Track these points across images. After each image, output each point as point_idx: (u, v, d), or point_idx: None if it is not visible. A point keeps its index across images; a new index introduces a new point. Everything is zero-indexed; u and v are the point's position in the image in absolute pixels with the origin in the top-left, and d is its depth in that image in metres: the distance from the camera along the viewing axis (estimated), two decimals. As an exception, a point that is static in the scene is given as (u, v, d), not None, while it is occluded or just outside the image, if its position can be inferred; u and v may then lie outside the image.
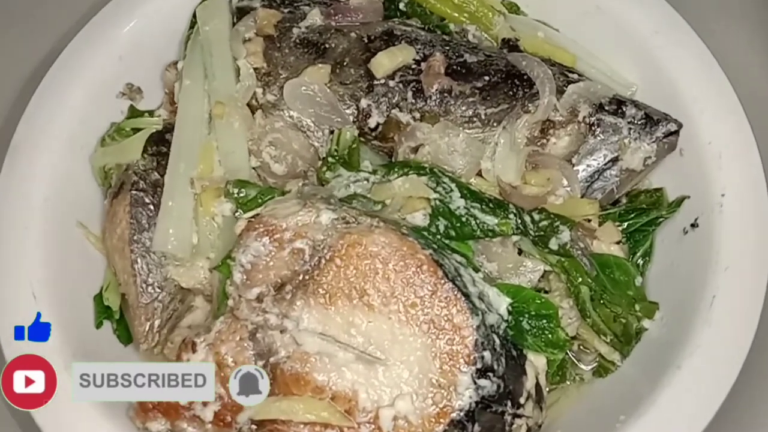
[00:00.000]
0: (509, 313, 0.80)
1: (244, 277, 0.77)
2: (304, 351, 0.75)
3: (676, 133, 0.96)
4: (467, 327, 0.74)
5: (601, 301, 0.88)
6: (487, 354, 0.74)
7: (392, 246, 0.76)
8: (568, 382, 0.92)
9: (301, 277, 0.76)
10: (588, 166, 0.96)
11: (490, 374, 0.74)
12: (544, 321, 0.81)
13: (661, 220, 0.95)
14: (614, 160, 0.96)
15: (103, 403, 0.82)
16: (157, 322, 0.88)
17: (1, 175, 0.94)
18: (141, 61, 1.06)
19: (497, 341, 0.76)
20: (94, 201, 1.00)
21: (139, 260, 0.88)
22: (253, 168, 0.95)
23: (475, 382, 0.73)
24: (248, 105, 0.96)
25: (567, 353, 0.92)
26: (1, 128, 1.07)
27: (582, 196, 0.95)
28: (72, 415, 0.81)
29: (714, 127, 0.92)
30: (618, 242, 0.93)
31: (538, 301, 0.81)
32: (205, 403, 0.76)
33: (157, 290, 0.88)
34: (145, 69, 1.07)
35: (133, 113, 1.05)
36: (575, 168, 0.95)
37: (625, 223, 0.95)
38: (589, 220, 0.94)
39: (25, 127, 0.97)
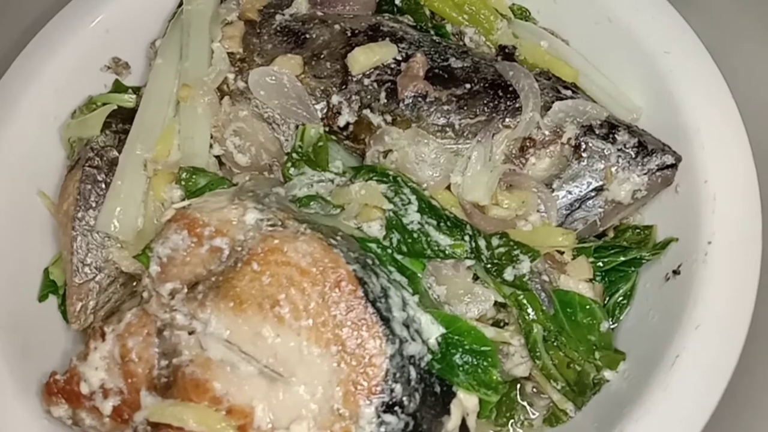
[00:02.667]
0: (440, 344, 0.71)
1: (160, 270, 0.72)
2: (207, 357, 0.69)
3: (674, 167, 0.84)
4: (379, 355, 0.66)
5: (555, 343, 0.78)
6: (397, 387, 0.66)
7: (314, 256, 0.69)
8: (510, 428, 0.83)
9: (215, 278, 0.70)
10: (569, 192, 0.85)
11: (398, 410, 0.66)
12: (479, 358, 0.72)
13: (643, 261, 0.84)
14: (599, 190, 0.85)
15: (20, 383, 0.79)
16: (91, 304, 0.84)
17: (-31, 138, 0.93)
18: (130, 36, 1.02)
19: (413, 374, 0.67)
20: (62, 173, 0.97)
21: (79, 238, 0.84)
22: (217, 156, 0.90)
23: (379, 416, 0.65)
24: (219, 90, 0.91)
25: (517, 395, 0.83)
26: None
27: (560, 225, 0.85)
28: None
29: (713, 165, 0.80)
30: (589, 280, 0.83)
31: (475, 335, 0.72)
32: (105, 396, 0.71)
33: (94, 271, 0.84)
34: (134, 45, 1.03)
35: (118, 88, 1.01)
36: (555, 193, 0.85)
37: (602, 261, 0.84)
38: (562, 252, 0.84)
39: (0, 93, 0.95)
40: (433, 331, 0.71)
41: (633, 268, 0.85)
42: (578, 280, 0.82)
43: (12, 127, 0.93)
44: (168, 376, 0.70)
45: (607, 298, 0.86)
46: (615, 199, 0.85)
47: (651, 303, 0.83)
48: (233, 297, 0.69)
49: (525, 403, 0.83)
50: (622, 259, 0.83)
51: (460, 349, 0.72)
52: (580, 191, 0.85)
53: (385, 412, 0.65)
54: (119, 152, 0.89)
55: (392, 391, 0.66)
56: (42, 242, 0.93)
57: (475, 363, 0.72)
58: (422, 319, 0.72)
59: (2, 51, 0.97)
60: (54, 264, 0.90)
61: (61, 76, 0.97)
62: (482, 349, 0.72)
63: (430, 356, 0.70)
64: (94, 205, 0.86)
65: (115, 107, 0.92)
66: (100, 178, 0.87)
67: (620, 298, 0.86)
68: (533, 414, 0.83)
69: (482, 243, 0.78)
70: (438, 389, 0.70)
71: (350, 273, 0.68)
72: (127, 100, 0.95)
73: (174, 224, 0.72)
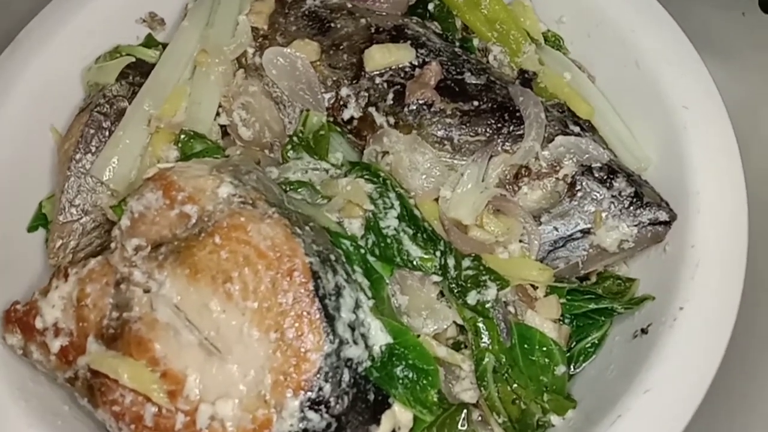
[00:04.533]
0: (383, 353, 0.70)
1: (129, 224, 0.72)
2: (155, 318, 0.69)
3: (667, 224, 0.81)
4: (315, 351, 0.65)
5: (505, 377, 0.76)
6: (327, 386, 0.65)
7: (274, 241, 0.68)
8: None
9: (177, 243, 0.70)
10: (556, 228, 0.82)
11: (323, 408, 0.65)
12: (421, 375, 0.70)
13: (615, 313, 0.81)
14: (586, 232, 0.82)
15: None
16: (72, 244, 0.85)
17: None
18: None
19: (347, 377, 0.66)
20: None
21: (72, 179, 0.85)
22: (222, 126, 0.90)
23: (302, 411, 0.64)
24: (237, 62, 0.91)
25: (460, 421, 0.81)
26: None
27: (541, 260, 0.82)
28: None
29: (703, 231, 0.76)
30: (556, 321, 0.80)
31: (420, 351, 0.70)
32: (56, 334, 0.72)
33: (80, 213, 0.85)
34: (173, 2, 1.03)
35: (149, 42, 1.02)
36: (541, 227, 0.82)
37: (574, 303, 0.81)
38: (535, 288, 0.81)
39: (37, 22, 0.96)
40: (380, 338, 0.70)
41: (604, 318, 0.82)
42: (544, 318, 0.79)
43: (40, 59, 0.94)
44: (116, 329, 0.70)
45: (575, 343, 0.83)
46: (600, 245, 0.82)
47: (615, 357, 0.80)
48: (190, 265, 0.69)
49: (468, 430, 0.81)
50: (593, 306, 0.80)
51: (404, 362, 0.70)
52: (567, 230, 0.82)
53: (309, 408, 0.64)
54: (127, 104, 0.90)
55: (320, 389, 0.65)
56: (45, 176, 0.95)
57: (415, 379, 0.70)
58: (372, 324, 0.70)
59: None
60: (48, 199, 0.91)
61: (96, 19, 0.97)
62: (425, 366, 0.70)
63: (369, 363, 0.68)
64: (93, 150, 0.87)
65: (134, 60, 0.92)
66: (105, 125, 0.88)
67: (588, 345, 0.83)
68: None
69: (451, 262, 0.76)
70: (372, 397, 0.68)
71: (305, 265, 0.67)
72: (151, 55, 0.95)
73: (152, 183, 0.72)
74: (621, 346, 0.80)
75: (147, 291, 0.70)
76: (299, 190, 0.83)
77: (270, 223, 0.69)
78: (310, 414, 0.64)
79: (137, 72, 0.93)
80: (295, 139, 0.87)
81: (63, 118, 0.96)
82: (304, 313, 0.66)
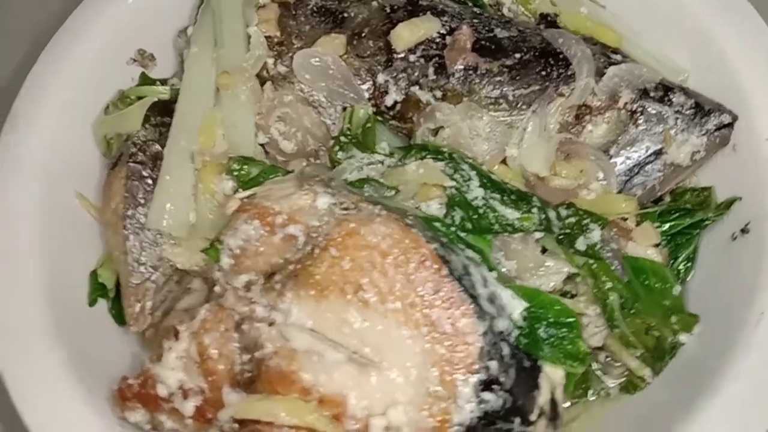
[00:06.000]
0: (524, 319, 0.71)
1: (232, 262, 0.70)
2: (291, 347, 0.67)
3: (730, 126, 0.85)
4: (472, 333, 0.65)
5: (632, 311, 0.78)
6: (493, 364, 0.66)
7: (393, 238, 0.68)
8: (591, 397, 0.83)
9: (292, 267, 0.69)
10: (627, 158, 0.85)
11: (496, 387, 0.65)
12: (564, 330, 0.72)
13: (707, 223, 0.84)
14: (658, 153, 0.85)
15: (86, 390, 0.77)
16: (149, 304, 0.82)
17: (-1, 146, 0.90)
18: (154, 26, 0.99)
19: (506, 350, 0.67)
20: (97, 171, 0.94)
21: (131, 237, 0.82)
22: (261, 145, 0.88)
23: (477, 395, 0.65)
24: (258, 76, 0.89)
25: (592, 365, 0.83)
26: (4, 94, 1.03)
27: (619, 192, 0.85)
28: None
29: (769, 122, 0.81)
30: (656, 245, 0.83)
31: (558, 308, 0.72)
32: (185, 396, 0.70)
33: (150, 270, 0.82)
34: (158, 35, 1.00)
35: (145, 81, 0.99)
36: (613, 160, 0.85)
37: (666, 224, 0.85)
38: (625, 219, 0.84)
39: (26, 93, 0.91)
40: (515, 305, 0.71)
41: (696, 231, 0.85)
42: (646, 246, 0.82)
43: (40, 127, 0.90)
44: (251, 371, 0.68)
45: (670, 262, 0.86)
46: (674, 162, 0.85)
47: (717, 265, 0.84)
48: (314, 285, 0.68)
49: (599, 373, 0.83)
50: (689, 221, 0.84)
51: (544, 322, 0.72)
52: (639, 156, 0.85)
53: (483, 390, 0.65)
54: (161, 146, 0.87)
55: (488, 368, 0.65)
56: (82, 245, 0.91)
57: (561, 335, 0.71)
58: (503, 294, 0.71)
59: (24, 46, 0.94)
60: (102, 266, 0.88)
61: (89, 70, 0.94)
62: (566, 320, 0.72)
63: (517, 331, 0.69)
64: (142, 201, 0.84)
65: (155, 100, 0.89)
66: (145, 174, 0.85)
67: (684, 262, 0.87)
68: (609, 383, 0.83)
69: (552, 214, 0.78)
70: (526, 364, 0.69)
71: (432, 252, 0.68)
72: (162, 91, 0.92)
73: (244, 214, 0.71)
74: (720, 253, 0.84)
75: (272, 324, 0.69)
76: (363, 187, 0.83)
77: (381, 221, 0.69)
78: (486, 395, 0.65)
79: (155, 112, 0.90)
80: (342, 138, 0.86)
81: (83, 182, 0.93)
82: (450, 299, 0.66)
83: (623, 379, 0.83)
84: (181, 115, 0.87)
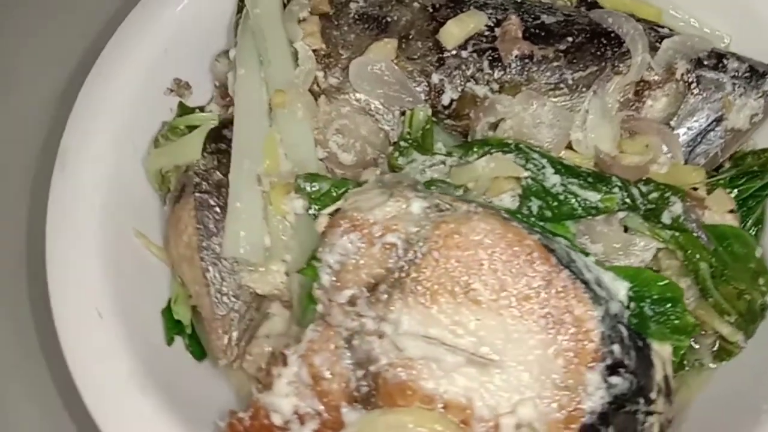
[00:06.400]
0: (629, 299, 0.71)
1: (333, 278, 0.70)
2: (407, 357, 0.67)
3: (784, 85, 0.86)
4: (591, 319, 0.66)
5: (723, 278, 0.79)
6: (616, 347, 0.66)
7: (495, 233, 0.68)
8: (686, 369, 0.84)
9: (396, 275, 0.68)
10: (689, 128, 0.86)
11: (622, 370, 0.66)
12: (669, 305, 0.72)
13: (776, 182, 0.86)
14: (718, 120, 0.86)
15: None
16: (234, 334, 0.81)
17: (51, 187, 0.88)
18: (187, 53, 0.98)
19: (624, 332, 0.67)
20: (152, 207, 0.93)
21: (210, 268, 0.81)
22: (320, 160, 0.87)
23: (605, 381, 0.65)
24: (310, 91, 0.88)
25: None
26: (49, 133, 1.01)
27: (684, 163, 0.86)
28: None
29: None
30: (731, 211, 0.84)
31: (662, 284, 0.72)
32: (302, 422, 0.69)
33: (233, 300, 0.81)
34: (191, 61, 0.99)
35: (184, 110, 0.98)
36: (675, 132, 0.86)
37: (736, 190, 0.86)
38: (695, 189, 0.85)
39: (72, 132, 0.90)
40: (619, 287, 0.71)
41: (765, 192, 0.87)
42: (722, 212, 0.83)
43: (90, 166, 0.89)
44: (368, 386, 0.68)
45: (742, 226, 0.87)
46: (734, 128, 0.86)
47: (790, 222, 0.85)
48: (421, 290, 0.67)
49: (692, 344, 0.84)
50: (759, 183, 0.85)
51: (648, 300, 0.72)
52: (700, 125, 0.86)
53: (610, 375, 0.65)
54: (222, 173, 0.86)
55: (612, 352, 0.66)
56: (148, 284, 0.90)
57: (667, 311, 0.72)
58: (604, 277, 0.71)
59: (62, 82, 0.93)
60: (176, 302, 0.86)
61: (131, 105, 0.93)
62: (671, 295, 0.72)
63: (627, 312, 0.70)
64: (215, 231, 0.82)
65: (211, 127, 0.88)
66: (213, 203, 0.84)
67: (754, 225, 0.88)
68: (703, 354, 0.84)
69: (635, 191, 0.78)
70: (640, 344, 0.70)
71: (537, 243, 0.68)
72: (212, 118, 0.91)
73: (338, 229, 0.70)
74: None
75: (382, 336, 0.68)
76: (430, 189, 0.83)
77: (479, 217, 0.69)
78: (613, 379, 0.65)
79: (209, 139, 0.89)
80: (402, 143, 0.86)
81: (139, 219, 0.91)
82: (563, 287, 0.66)
83: (715, 349, 0.84)
84: (239, 139, 0.86)
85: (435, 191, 0.74)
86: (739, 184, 0.86)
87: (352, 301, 0.69)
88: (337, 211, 0.74)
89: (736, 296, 0.79)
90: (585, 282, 0.67)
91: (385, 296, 0.68)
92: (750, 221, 0.88)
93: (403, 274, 0.68)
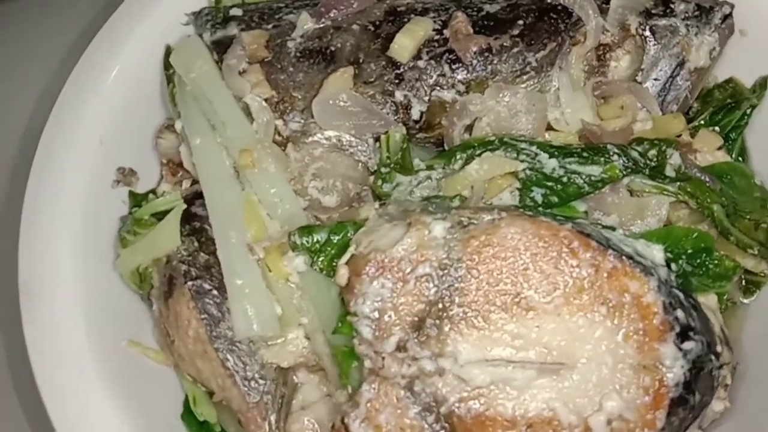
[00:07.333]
0: (666, 261, 0.71)
1: (374, 328, 0.66)
2: (475, 386, 0.64)
3: (731, 14, 0.89)
4: (648, 292, 0.65)
5: (736, 213, 0.80)
6: (679, 313, 0.65)
7: (528, 234, 0.66)
8: (723, 311, 0.84)
9: (439, 305, 0.65)
10: (656, 79, 0.87)
11: (691, 333, 0.65)
12: (705, 255, 0.73)
13: (754, 107, 0.88)
14: (680, 64, 0.88)
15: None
16: (273, 418, 0.76)
17: (24, 321, 0.80)
18: (123, 137, 0.92)
19: (681, 295, 0.67)
20: (136, 311, 0.87)
21: (229, 357, 0.75)
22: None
23: (680, 349, 0.64)
24: (274, 142, 0.84)
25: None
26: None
27: (662, 114, 0.87)
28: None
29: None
30: (720, 147, 0.85)
31: (694, 236, 0.72)
32: (384, 488, 0.65)
33: (261, 382, 0.76)
34: (129, 145, 0.93)
35: (136, 199, 0.92)
36: (644, 86, 0.87)
37: (717, 126, 0.88)
38: (679, 136, 0.86)
39: (29, 263, 0.83)
40: (653, 252, 0.71)
41: (744, 121, 0.89)
42: (712, 150, 0.84)
43: (61, 292, 0.82)
44: (443, 429, 0.64)
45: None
46: (697, 67, 0.88)
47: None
48: (471, 314, 0.65)
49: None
50: (738, 113, 0.87)
51: (684, 255, 0.72)
52: (666, 73, 0.88)
53: (683, 341, 0.64)
54: (206, 253, 0.81)
55: (677, 318, 0.65)
56: (157, 393, 0.83)
57: (705, 261, 0.72)
58: (638, 246, 0.71)
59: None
60: (197, 403, 0.80)
61: (82, 209, 0.87)
62: (705, 245, 0.72)
63: (673, 274, 0.69)
64: (220, 316, 0.77)
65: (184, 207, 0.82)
66: (208, 287, 0.78)
67: (738, 155, 0.90)
68: (734, 293, 0.85)
69: (634, 153, 0.78)
70: (692, 302, 0.69)
71: (573, 231, 0.66)
72: (175, 199, 0.85)
73: (365, 276, 0.66)
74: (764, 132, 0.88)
75: (443, 373, 0.65)
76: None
77: (507, 222, 0.67)
78: (687, 345, 0.64)
79: (182, 222, 0.83)
80: (383, 169, 0.83)
81: (128, 327, 0.85)
82: (612, 269, 0.65)
83: (743, 284, 0.86)
84: (216, 213, 0.81)
85: (454, 208, 0.71)
86: (718, 120, 0.88)
87: (401, 347, 0.66)
88: (353, 257, 0.70)
89: (753, 228, 0.81)
90: (630, 257, 0.66)
91: (435, 331, 0.65)
92: (735, 153, 0.90)
93: (447, 303, 0.65)
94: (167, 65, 0.90)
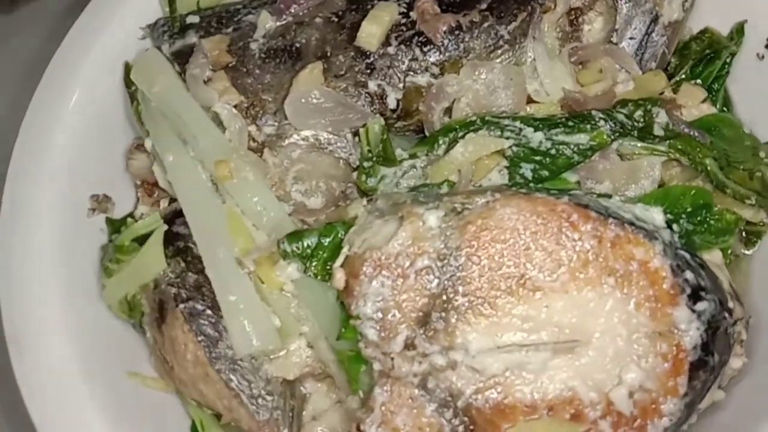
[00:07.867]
0: (667, 223, 0.70)
1: (379, 329, 0.64)
2: (490, 376, 0.63)
3: (699, -39, 0.88)
4: (654, 256, 0.64)
5: (729, 165, 0.79)
6: (688, 274, 0.64)
7: (525, 212, 0.64)
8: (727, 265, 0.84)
9: (443, 297, 0.64)
10: (631, 38, 0.86)
11: (702, 293, 0.64)
12: (704, 211, 0.72)
13: (733, 53, 0.87)
14: (654, 20, 0.87)
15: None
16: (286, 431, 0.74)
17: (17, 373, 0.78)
18: (91, 163, 0.89)
19: (687, 255, 0.66)
20: (130, 340, 0.84)
21: (232, 377, 0.73)
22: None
23: (693, 311, 0.63)
24: (250, 149, 0.82)
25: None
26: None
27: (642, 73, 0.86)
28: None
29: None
30: (704, 100, 0.84)
31: (692, 193, 0.72)
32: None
33: (269, 398, 0.74)
34: (99, 170, 0.90)
35: (114, 225, 0.89)
36: (621, 46, 0.86)
37: (699, 79, 0.87)
38: (662, 93, 0.85)
39: (15, 316, 0.79)
40: (653, 215, 0.70)
41: (725, 70, 0.88)
42: (697, 104, 0.83)
43: (49, 339, 0.79)
44: (462, 423, 0.63)
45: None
46: (671, 21, 0.87)
47: (755, 86, 0.87)
48: (477, 302, 0.63)
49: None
50: (719, 62, 0.86)
51: (684, 215, 0.71)
52: (641, 30, 0.86)
53: (695, 302, 0.63)
54: (194, 272, 0.78)
55: (686, 280, 0.64)
56: (161, 423, 0.81)
57: (705, 218, 0.72)
58: (636, 211, 0.70)
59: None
60: (205, 429, 0.78)
61: (60, 245, 0.84)
62: (703, 201, 0.71)
63: (677, 236, 0.68)
64: (217, 335, 0.75)
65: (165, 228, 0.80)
66: (200, 307, 0.76)
67: (722, 105, 0.89)
68: (735, 246, 0.84)
69: (620, 116, 0.77)
70: (699, 261, 0.68)
71: (570, 204, 0.65)
72: (155, 221, 0.83)
73: (363, 277, 0.65)
74: (752, 76, 0.88)
75: (455, 366, 0.63)
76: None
77: (502, 203, 0.65)
78: (700, 306, 0.63)
79: (165, 243, 0.80)
80: (366, 163, 0.81)
81: (124, 359, 0.82)
82: (615, 237, 0.64)
83: (744, 236, 0.85)
84: (200, 229, 0.78)
85: (445, 195, 0.69)
86: (698, 72, 0.87)
87: (409, 345, 0.64)
88: (347, 259, 0.68)
89: (748, 178, 0.80)
90: (631, 223, 0.65)
91: (442, 324, 0.63)
92: (719, 104, 0.89)
93: (451, 293, 0.64)
94: (128, 83, 0.87)
